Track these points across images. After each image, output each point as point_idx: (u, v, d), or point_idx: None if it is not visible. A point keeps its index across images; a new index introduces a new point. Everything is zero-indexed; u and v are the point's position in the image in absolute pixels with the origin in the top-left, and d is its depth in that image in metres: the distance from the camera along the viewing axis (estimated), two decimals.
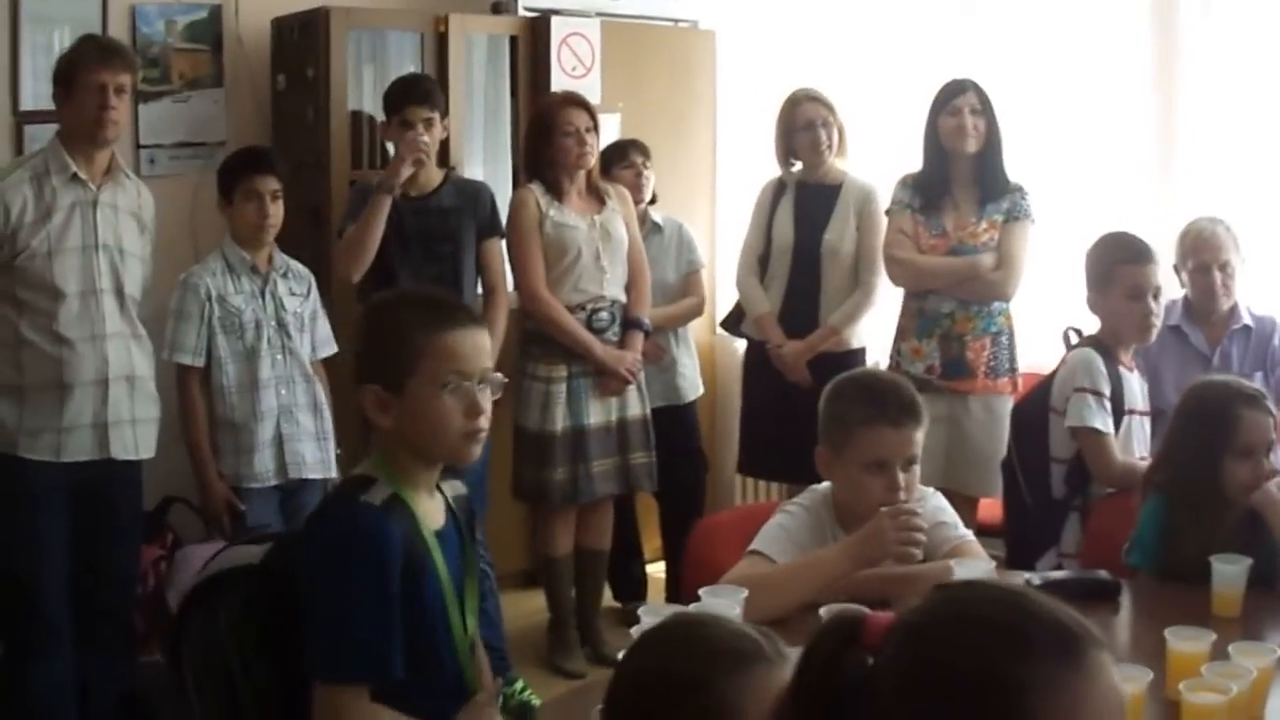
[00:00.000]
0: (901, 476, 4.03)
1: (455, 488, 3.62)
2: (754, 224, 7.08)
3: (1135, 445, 5.37)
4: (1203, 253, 6.02)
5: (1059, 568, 5.26)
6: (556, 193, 6.62)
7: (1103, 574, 4.25)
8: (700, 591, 3.68)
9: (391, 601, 3.24)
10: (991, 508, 6.29)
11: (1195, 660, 3.36)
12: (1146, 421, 5.46)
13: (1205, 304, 6.00)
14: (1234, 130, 6.78)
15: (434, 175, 6.49)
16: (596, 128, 6.65)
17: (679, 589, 6.78)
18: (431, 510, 3.48)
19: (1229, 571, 4.02)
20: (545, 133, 6.63)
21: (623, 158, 7.27)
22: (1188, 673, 3.29)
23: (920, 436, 4.09)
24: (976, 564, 3.95)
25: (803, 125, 6.89)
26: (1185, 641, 3.44)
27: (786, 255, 6.93)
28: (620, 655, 2.49)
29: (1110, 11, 7.12)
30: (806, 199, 6.95)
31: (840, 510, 4.16)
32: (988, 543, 4.45)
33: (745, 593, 3.64)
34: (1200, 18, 6.81)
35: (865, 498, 4.03)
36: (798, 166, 7.01)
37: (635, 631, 3.05)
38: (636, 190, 7.13)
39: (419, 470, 3.45)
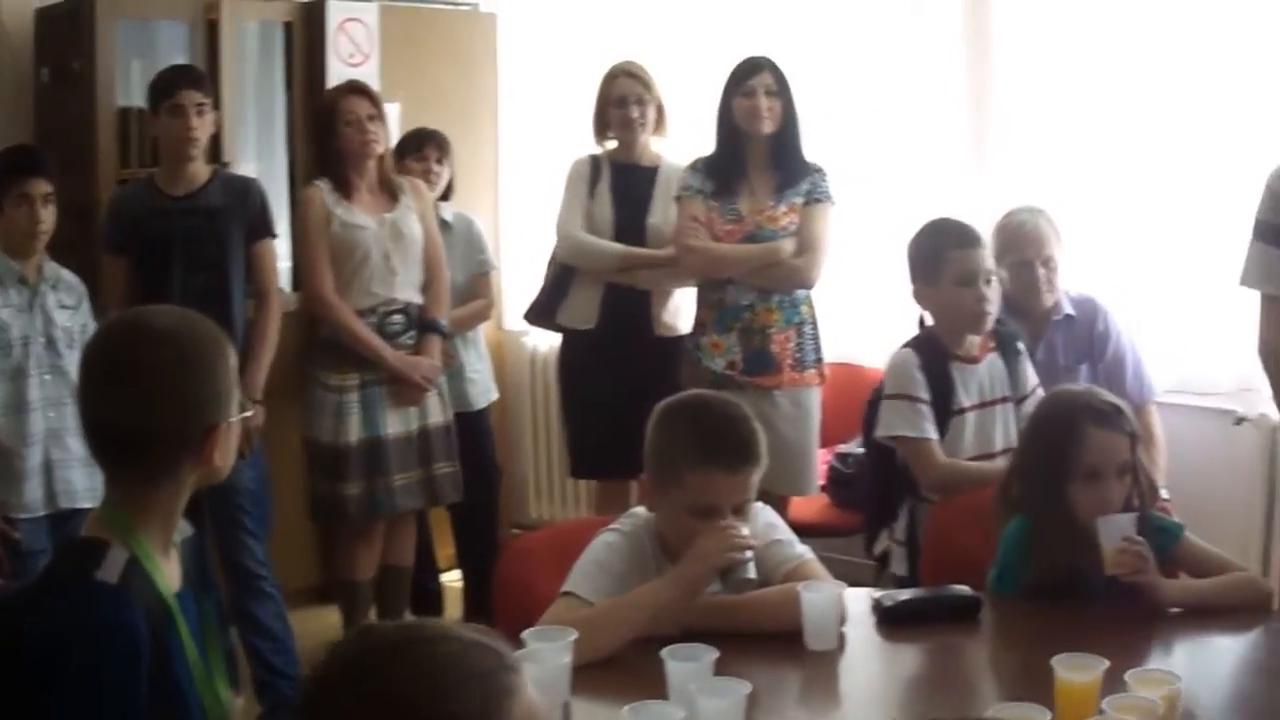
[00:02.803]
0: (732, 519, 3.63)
1: (182, 530, 3.04)
2: (569, 203, 6.58)
3: (971, 442, 5.04)
4: (1025, 248, 5.69)
5: (887, 554, 5.17)
6: (345, 190, 6.20)
7: (961, 589, 3.92)
8: (525, 635, 3.32)
9: (139, 710, 2.69)
10: (805, 506, 6.05)
11: (1087, 691, 3.10)
12: (1002, 411, 5.10)
13: (1028, 300, 5.68)
14: (1049, 113, 6.56)
15: (201, 171, 5.97)
16: (380, 115, 6.24)
17: (480, 605, 6.64)
18: (170, 570, 2.93)
19: (1115, 526, 3.82)
20: (328, 124, 6.23)
21: (415, 149, 6.85)
22: (1079, 705, 3.07)
23: (757, 479, 3.70)
24: (823, 586, 3.67)
25: (616, 100, 6.48)
26: (1075, 671, 3.14)
27: (608, 238, 6.47)
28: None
29: None
30: (624, 180, 6.53)
31: (663, 540, 3.76)
32: (812, 545, 4.05)
33: (574, 634, 3.29)
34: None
35: (690, 539, 3.62)
36: (614, 144, 6.59)
37: None
38: (427, 185, 6.66)
39: (169, 518, 2.92)
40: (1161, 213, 6.28)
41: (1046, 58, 6.52)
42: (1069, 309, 5.75)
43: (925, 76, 6.86)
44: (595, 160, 6.57)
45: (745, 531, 3.59)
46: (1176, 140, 6.22)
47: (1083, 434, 3.93)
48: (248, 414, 3.14)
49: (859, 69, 7.06)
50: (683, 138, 6.52)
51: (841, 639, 3.62)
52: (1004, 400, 5.08)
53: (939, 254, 5.04)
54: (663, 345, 6.31)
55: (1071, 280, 5.85)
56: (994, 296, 5.01)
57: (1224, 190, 5.97)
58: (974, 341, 5.06)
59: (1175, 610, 3.82)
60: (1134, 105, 6.31)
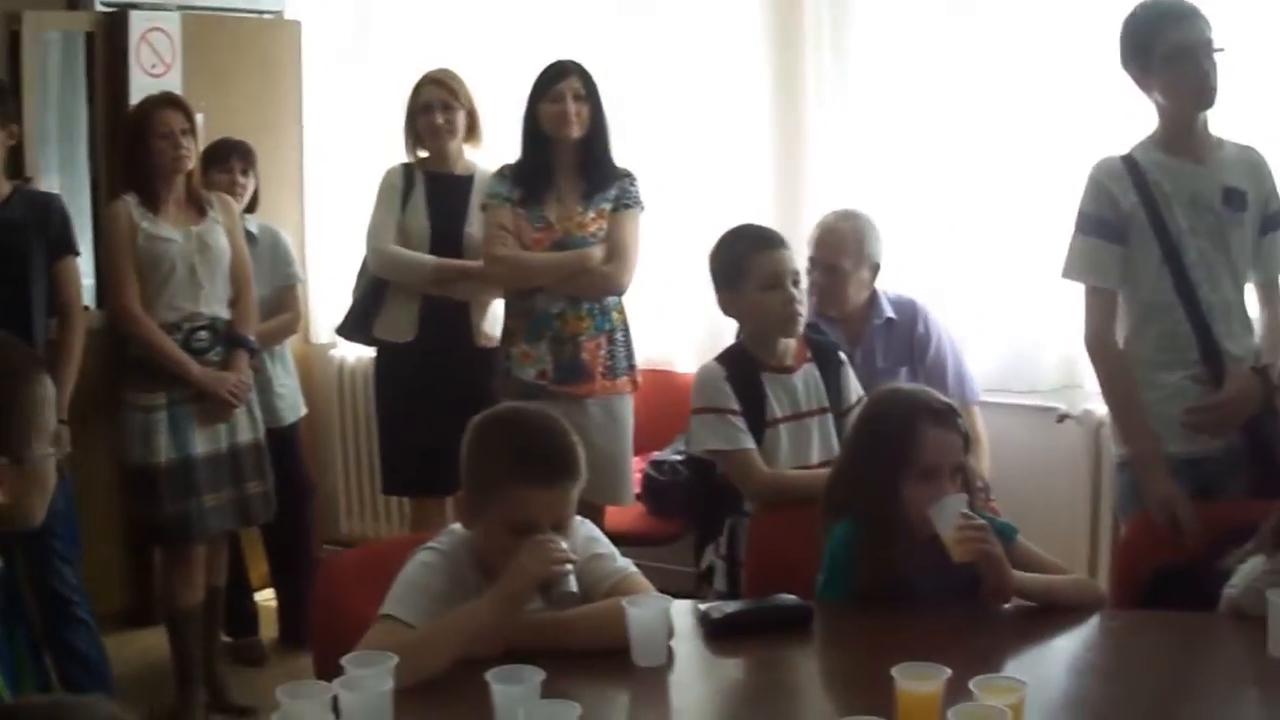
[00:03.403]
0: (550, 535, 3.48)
1: None
2: (381, 215, 6.35)
3: (786, 454, 4.88)
4: (822, 251, 5.60)
5: (712, 569, 5.01)
6: (153, 203, 5.91)
7: (790, 599, 3.78)
8: (344, 661, 3.14)
9: None
10: (621, 516, 5.90)
11: (929, 701, 2.98)
12: (819, 422, 4.95)
13: (821, 305, 5.56)
14: (866, 114, 6.48)
15: (2, 187, 5.69)
16: (193, 130, 5.98)
17: (297, 625, 6.52)
18: None
19: (948, 509, 3.71)
20: (139, 137, 5.94)
21: (220, 161, 6.61)
22: (922, 715, 2.97)
23: (576, 493, 3.55)
24: (649, 600, 3.51)
25: (422, 108, 6.29)
26: (916, 680, 3.01)
27: (423, 250, 6.26)
28: None
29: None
30: (438, 190, 6.33)
31: (482, 558, 3.58)
32: (629, 554, 3.90)
33: (395, 659, 3.13)
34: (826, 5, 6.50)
35: (509, 556, 3.45)
36: (426, 153, 6.39)
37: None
38: (233, 197, 6.42)
39: None
40: (980, 212, 6.24)
41: (863, 57, 6.45)
42: (889, 312, 5.65)
43: (736, 80, 6.75)
44: (408, 170, 6.37)
45: (564, 545, 3.45)
46: (994, 138, 6.19)
47: (919, 433, 3.82)
48: (51, 452, 2.93)
49: (668, 73, 6.93)
50: (504, 146, 6.29)
51: (669, 654, 3.49)
52: (821, 411, 4.94)
53: (741, 259, 4.91)
54: (484, 357, 6.13)
55: (891, 282, 5.77)
56: (803, 298, 4.89)
57: (1041, 187, 5.97)
58: (788, 351, 4.92)
59: (1009, 607, 3.79)
60: (951, 103, 6.26)
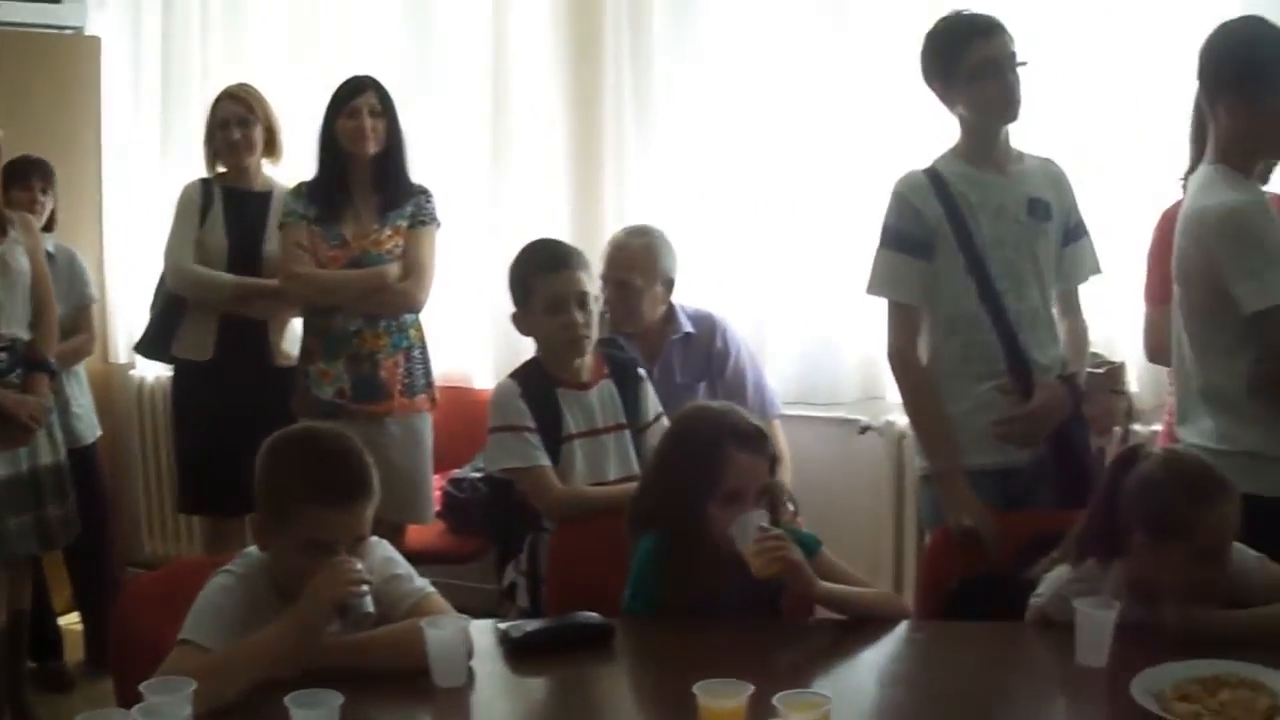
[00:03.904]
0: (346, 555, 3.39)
1: None
2: (179, 233, 6.18)
3: (582, 470, 4.76)
4: (614, 269, 5.51)
5: (514, 586, 4.88)
6: None
7: (591, 616, 3.69)
8: (142, 688, 3.03)
9: None
10: (422, 534, 5.83)
11: (732, 718, 2.94)
12: (616, 439, 4.82)
13: (615, 322, 5.47)
14: (666, 128, 6.43)
15: None
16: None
17: (102, 648, 6.28)
18: None
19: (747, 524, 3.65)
20: None
21: (20, 180, 6.40)
22: None
23: (370, 512, 3.46)
24: (447, 621, 3.42)
25: (220, 123, 6.15)
26: (719, 698, 2.95)
27: (221, 268, 6.11)
28: None
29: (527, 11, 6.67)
30: (237, 207, 6.18)
31: (279, 580, 3.47)
32: (431, 573, 3.84)
33: (193, 684, 3.02)
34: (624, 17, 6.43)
35: (306, 577, 3.35)
36: (225, 170, 6.25)
37: None
38: (32, 215, 6.18)
39: None
40: (779, 225, 6.20)
41: (662, 72, 6.38)
42: (686, 326, 5.59)
43: (533, 94, 6.66)
44: (206, 186, 6.21)
45: (359, 566, 3.36)
46: (793, 151, 6.15)
47: (726, 456, 3.76)
48: None
49: (464, 88, 6.85)
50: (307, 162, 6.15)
51: (470, 674, 3.40)
52: (618, 428, 4.84)
53: (528, 280, 4.80)
54: (282, 375, 5.99)
55: (689, 296, 5.71)
56: (590, 320, 4.77)
57: (841, 199, 5.96)
58: (584, 367, 4.81)
59: (814, 620, 3.80)
60: (750, 116, 6.22)
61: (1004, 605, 3.81)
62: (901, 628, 3.78)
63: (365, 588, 3.32)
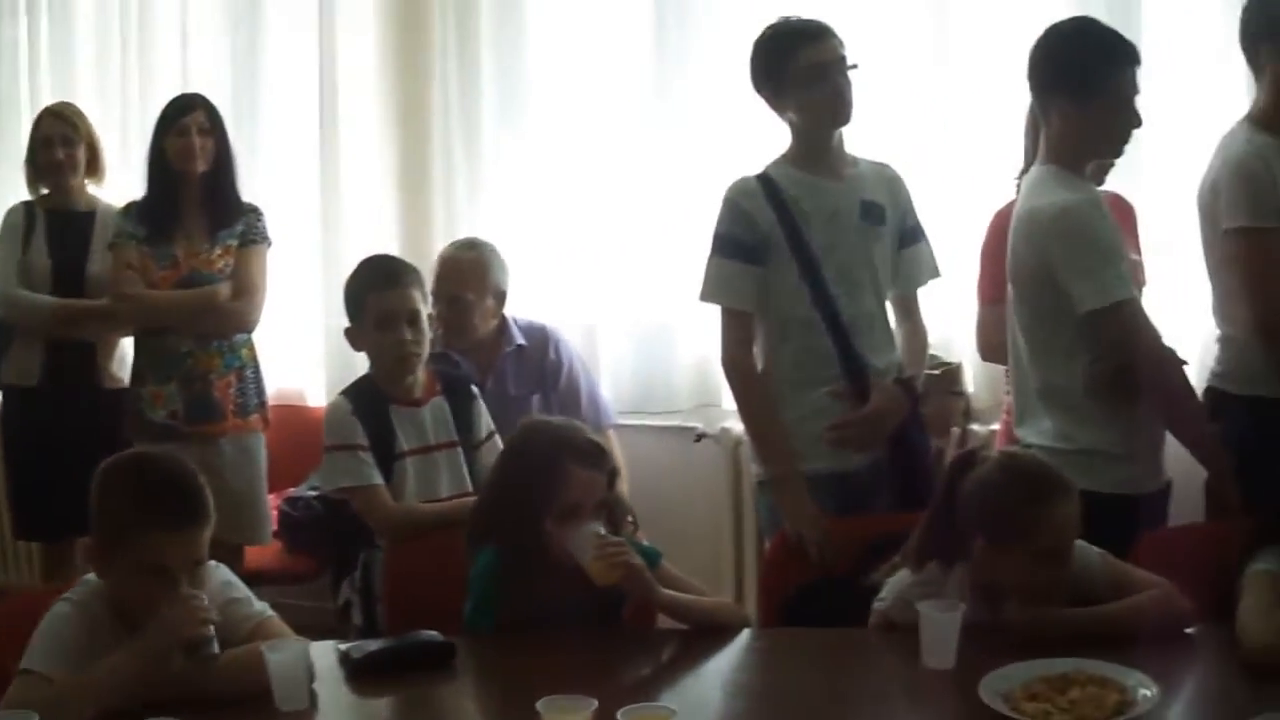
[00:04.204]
0: (185, 580, 3.30)
1: None
2: (2, 253, 6.02)
3: (414, 487, 4.68)
4: (444, 284, 5.43)
5: (349, 604, 4.79)
6: None
7: (431, 634, 3.62)
8: None
9: None
10: (260, 555, 5.71)
11: None
12: (448, 456, 4.73)
13: (447, 337, 5.38)
14: (490, 143, 6.34)
15: None
16: None
17: None
18: None
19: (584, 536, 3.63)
20: None
21: None
22: None
23: (206, 535, 3.38)
24: (287, 644, 3.35)
25: (41, 142, 6.01)
26: (562, 713, 2.95)
27: (46, 290, 5.95)
28: None
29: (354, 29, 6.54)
30: (60, 228, 6.03)
31: (118, 606, 3.38)
32: (270, 593, 3.84)
33: (35, 716, 2.99)
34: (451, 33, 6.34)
35: (144, 603, 3.29)
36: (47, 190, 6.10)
37: None
38: None
39: None
40: (610, 234, 6.16)
41: (490, 83, 6.29)
42: (519, 339, 5.54)
43: (361, 110, 6.55)
44: (29, 208, 6.08)
45: (206, 601, 3.29)
46: (623, 162, 6.12)
47: (564, 471, 3.73)
48: None
49: (294, 105, 6.72)
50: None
51: (312, 696, 3.31)
52: (450, 445, 4.77)
53: (359, 296, 4.73)
54: (113, 398, 5.86)
55: (521, 309, 5.66)
56: (422, 337, 4.70)
57: (672, 209, 5.93)
58: (416, 384, 4.74)
59: (657, 631, 3.77)
60: (579, 128, 6.17)
61: (846, 611, 3.78)
62: (744, 636, 3.76)
63: (212, 628, 3.25)
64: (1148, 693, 3.06)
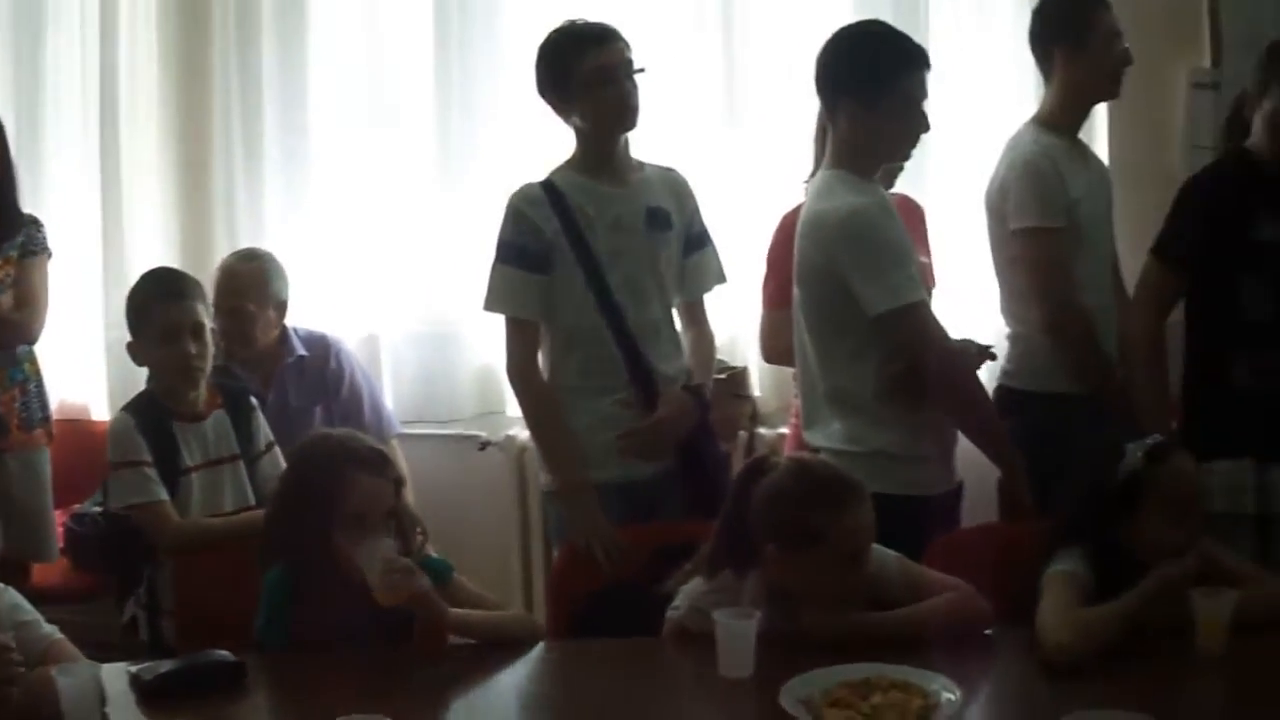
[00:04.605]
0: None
1: None
2: None
3: (199, 503, 4.59)
4: (224, 295, 5.30)
5: (135, 621, 4.70)
6: None
7: (223, 654, 3.49)
8: None
9: None
10: (47, 572, 5.53)
11: None
12: (231, 470, 4.65)
13: (229, 348, 5.25)
14: (268, 152, 6.15)
15: None
16: None
17: None
18: None
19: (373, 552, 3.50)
20: None
21: None
22: None
23: None
24: (77, 669, 3.23)
25: None
26: None
27: None
28: None
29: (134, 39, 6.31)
30: None
31: None
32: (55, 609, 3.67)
33: None
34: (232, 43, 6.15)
35: None
36: None
37: None
38: None
39: None
40: (390, 242, 6.05)
41: (270, 93, 6.11)
42: (300, 349, 5.42)
43: (144, 122, 6.30)
44: None
45: (17, 658, 3.18)
46: (404, 169, 6.02)
47: (348, 480, 3.63)
48: None
49: (73, 115, 6.43)
50: None
51: None
52: (233, 459, 4.67)
53: (143, 309, 4.62)
54: None
55: (302, 317, 5.54)
56: (205, 350, 4.60)
57: (454, 216, 5.86)
58: (199, 398, 4.63)
59: (451, 645, 3.63)
60: (358, 135, 6.06)
61: (640, 620, 3.72)
62: (538, 648, 3.68)
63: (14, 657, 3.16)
64: (951, 696, 3.05)
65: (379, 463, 3.70)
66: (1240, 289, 4.36)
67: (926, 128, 4.19)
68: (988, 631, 3.51)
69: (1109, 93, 4.86)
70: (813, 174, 4.48)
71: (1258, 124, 4.40)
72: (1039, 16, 4.81)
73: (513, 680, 3.59)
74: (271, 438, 4.74)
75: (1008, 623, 3.51)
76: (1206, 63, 5.84)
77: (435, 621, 3.56)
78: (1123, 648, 3.31)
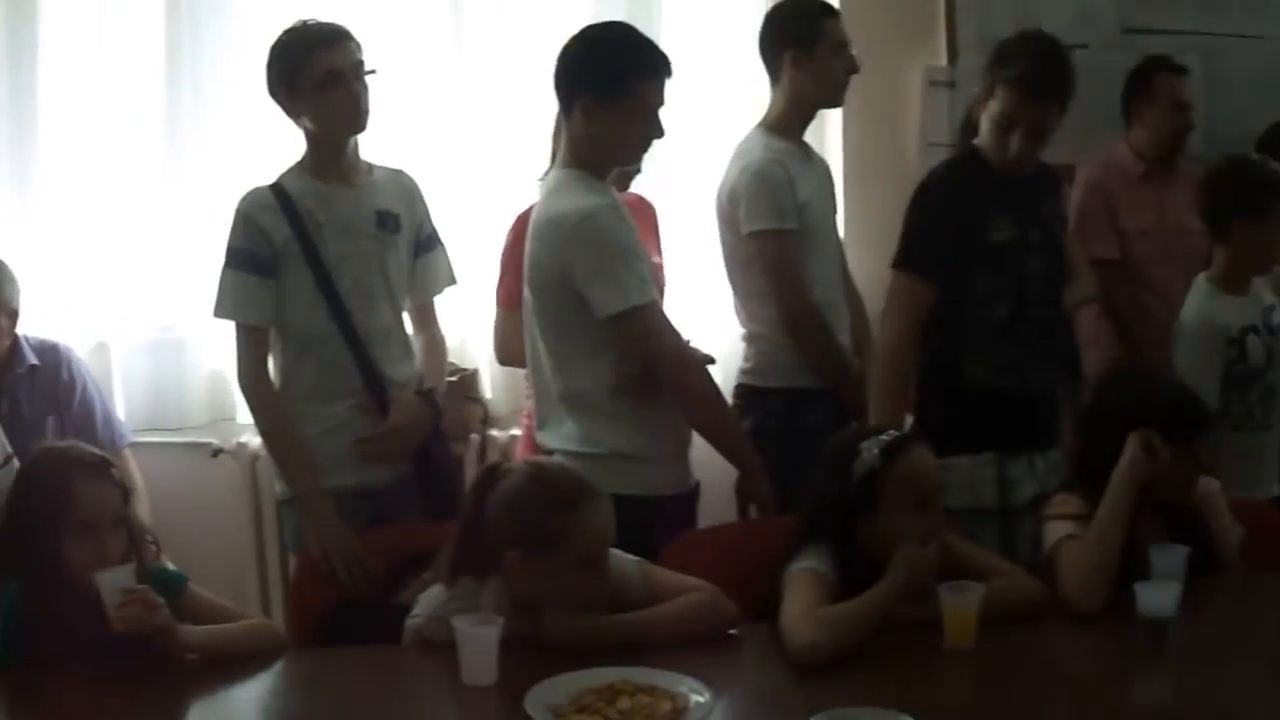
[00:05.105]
0: None
1: None
2: None
3: None
4: None
5: None
6: None
7: None
8: None
9: None
10: None
11: None
12: None
13: None
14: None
15: None
16: None
17: None
18: None
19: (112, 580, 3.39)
20: None
21: None
22: None
23: None
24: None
25: None
26: None
27: None
28: None
29: None
30: None
31: None
32: None
33: None
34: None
35: None
36: None
37: None
38: None
39: None
40: (120, 248, 5.79)
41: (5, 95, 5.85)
42: (31, 359, 5.21)
43: None
44: None
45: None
46: (135, 172, 5.76)
47: (73, 488, 3.49)
48: None
49: None
50: None
51: None
52: None
53: None
54: None
55: (31, 326, 5.31)
56: None
57: (186, 221, 5.66)
58: None
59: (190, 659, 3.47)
60: (92, 136, 5.78)
61: (381, 628, 3.63)
62: (281, 659, 3.55)
63: None
64: (700, 698, 3.01)
65: (101, 467, 3.58)
66: (976, 288, 4.41)
67: (661, 134, 4.17)
68: (734, 632, 3.48)
69: (834, 100, 4.96)
70: (547, 173, 4.42)
71: (985, 125, 4.44)
72: (769, 23, 4.88)
73: (254, 693, 3.47)
74: (10, 450, 4.49)
75: (753, 622, 3.49)
76: (942, 61, 5.94)
77: (171, 648, 3.42)
78: (871, 645, 3.32)
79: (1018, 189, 4.44)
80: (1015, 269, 4.43)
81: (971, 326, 4.41)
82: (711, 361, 4.39)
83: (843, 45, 4.82)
